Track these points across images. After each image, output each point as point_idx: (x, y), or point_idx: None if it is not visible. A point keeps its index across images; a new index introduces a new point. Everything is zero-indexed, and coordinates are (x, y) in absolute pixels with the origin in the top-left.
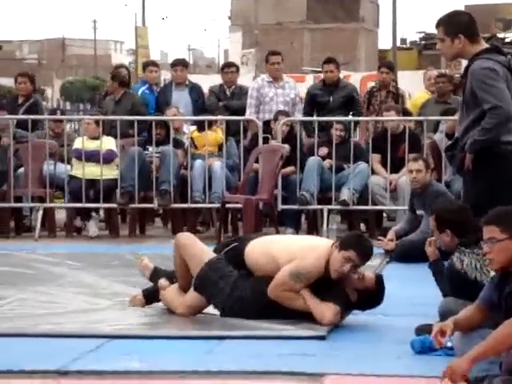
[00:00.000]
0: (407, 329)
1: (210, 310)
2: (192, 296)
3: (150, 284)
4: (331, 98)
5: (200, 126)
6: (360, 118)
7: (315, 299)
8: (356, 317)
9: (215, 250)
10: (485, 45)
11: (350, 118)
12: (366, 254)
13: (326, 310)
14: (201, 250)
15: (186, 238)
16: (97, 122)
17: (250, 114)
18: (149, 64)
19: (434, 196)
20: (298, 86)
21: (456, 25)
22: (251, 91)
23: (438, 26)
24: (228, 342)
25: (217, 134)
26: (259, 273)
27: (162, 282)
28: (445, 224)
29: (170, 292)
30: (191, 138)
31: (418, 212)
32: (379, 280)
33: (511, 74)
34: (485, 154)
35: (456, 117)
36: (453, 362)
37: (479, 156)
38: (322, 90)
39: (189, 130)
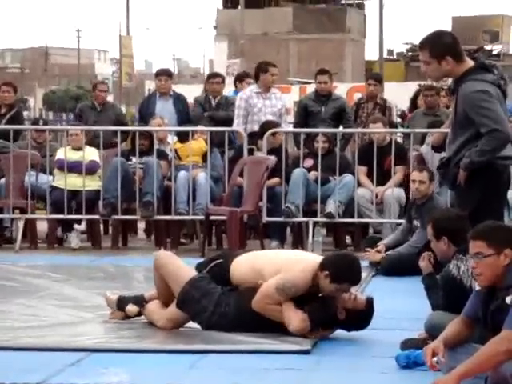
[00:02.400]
0: (393, 343)
1: (192, 323)
2: (174, 310)
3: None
4: (323, 109)
5: (183, 136)
6: (346, 130)
7: (290, 307)
8: (341, 331)
9: (200, 265)
10: (470, 62)
11: (335, 129)
12: (358, 282)
13: (293, 317)
14: (180, 269)
15: (164, 256)
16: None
17: (238, 125)
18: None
19: (432, 210)
20: (285, 97)
21: (441, 46)
22: (239, 101)
23: (421, 48)
24: (211, 356)
25: (200, 143)
26: (244, 287)
27: (129, 308)
28: (442, 232)
29: (152, 306)
30: (174, 150)
31: (415, 222)
32: (370, 303)
33: (501, 91)
34: (479, 170)
35: (443, 129)
36: (439, 379)
37: (473, 172)
38: (315, 100)
39: (173, 140)
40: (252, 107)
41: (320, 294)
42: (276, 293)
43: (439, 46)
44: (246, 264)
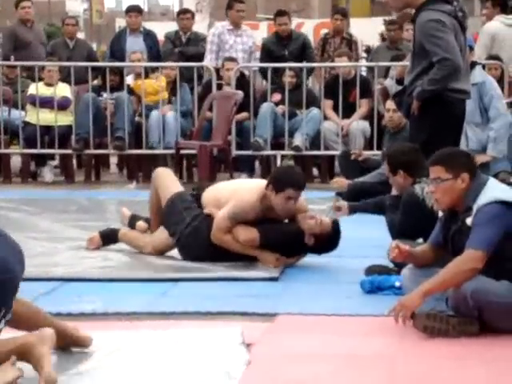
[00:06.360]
0: (358, 270)
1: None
2: (159, 237)
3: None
4: (286, 52)
5: (153, 72)
6: (312, 64)
7: (239, 226)
8: (309, 259)
9: None
10: None
11: (303, 64)
12: (300, 185)
13: (240, 230)
14: (174, 182)
15: (163, 171)
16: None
17: (210, 60)
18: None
19: (405, 140)
20: (254, 34)
21: None
22: (212, 37)
23: None
24: (182, 284)
25: (158, 82)
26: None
27: (140, 223)
28: (397, 165)
29: (134, 232)
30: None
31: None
32: (336, 225)
33: (458, 22)
34: (431, 101)
35: (406, 62)
36: (403, 298)
37: (426, 103)
38: (277, 43)
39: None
40: (224, 43)
41: (284, 218)
42: (228, 222)
43: None
44: (211, 194)
